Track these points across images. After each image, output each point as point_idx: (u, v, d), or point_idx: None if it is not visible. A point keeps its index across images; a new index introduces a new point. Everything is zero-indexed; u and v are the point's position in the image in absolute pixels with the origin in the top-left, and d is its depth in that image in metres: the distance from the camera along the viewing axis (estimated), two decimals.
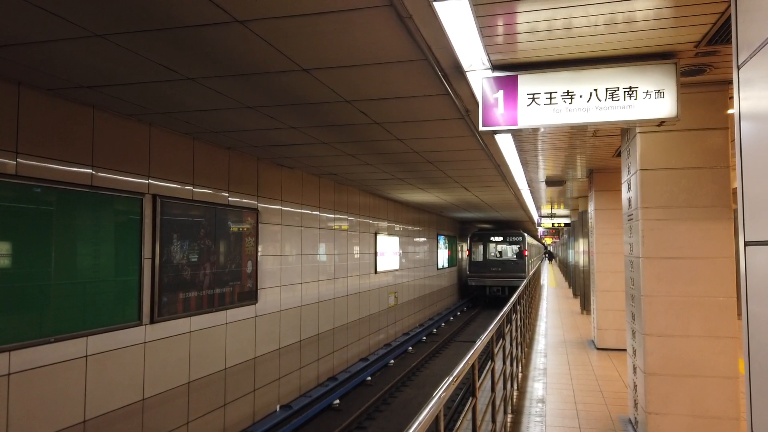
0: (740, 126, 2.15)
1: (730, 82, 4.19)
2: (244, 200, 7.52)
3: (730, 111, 4.31)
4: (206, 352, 6.67)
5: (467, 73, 3.98)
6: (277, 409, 8.30)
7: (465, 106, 4.98)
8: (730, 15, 2.99)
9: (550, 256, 61.29)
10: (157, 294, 5.78)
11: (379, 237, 13.58)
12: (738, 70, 2.15)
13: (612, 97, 3.51)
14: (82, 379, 4.90)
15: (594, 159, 7.92)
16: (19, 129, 4.38)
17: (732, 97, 4.22)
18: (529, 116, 3.63)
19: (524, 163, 8.19)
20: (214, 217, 6.83)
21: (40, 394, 4.50)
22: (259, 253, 7.85)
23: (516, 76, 3.67)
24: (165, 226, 5.93)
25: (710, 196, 4.32)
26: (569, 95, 3.58)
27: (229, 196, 7.17)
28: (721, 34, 3.28)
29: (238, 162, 7.34)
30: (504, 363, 4.92)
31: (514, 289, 19.18)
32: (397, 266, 15.25)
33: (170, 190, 6.06)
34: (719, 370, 4.27)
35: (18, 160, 4.36)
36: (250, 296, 7.60)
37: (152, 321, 5.72)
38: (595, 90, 3.55)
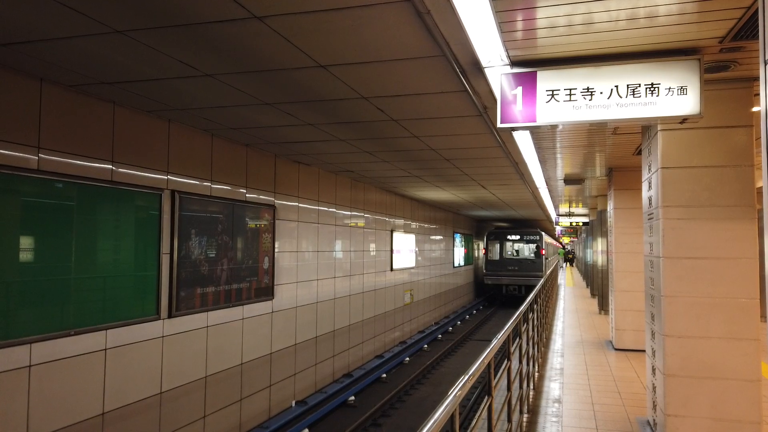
0: (766, 124, 2.09)
1: (756, 78, 4.11)
2: (261, 197, 7.56)
3: (755, 108, 4.21)
4: (223, 346, 6.72)
5: (485, 69, 3.95)
6: (293, 404, 8.35)
7: (483, 103, 4.94)
8: (756, 9, 2.93)
9: (567, 259, 47.80)
10: (175, 289, 5.84)
11: (395, 234, 13.56)
12: (765, 65, 2.09)
13: (633, 94, 3.45)
14: (101, 372, 4.97)
15: (613, 157, 7.82)
16: (41, 124, 4.45)
17: (757, 94, 4.14)
18: (548, 113, 3.59)
19: (542, 161, 8.12)
20: (231, 213, 6.88)
21: (59, 386, 4.57)
22: (276, 250, 7.89)
23: (535, 72, 3.63)
24: (183, 222, 5.99)
25: (733, 195, 4.23)
26: (589, 92, 3.53)
27: (246, 193, 7.21)
28: (747, 29, 3.20)
29: (255, 158, 7.38)
30: (520, 362, 4.88)
31: (530, 288, 19.03)
32: (413, 264, 15.23)
33: (189, 186, 6.12)
34: (740, 372, 4.18)
35: (40, 155, 4.43)
36: (266, 292, 7.64)
37: (170, 315, 5.78)
38: (616, 86, 3.49)
